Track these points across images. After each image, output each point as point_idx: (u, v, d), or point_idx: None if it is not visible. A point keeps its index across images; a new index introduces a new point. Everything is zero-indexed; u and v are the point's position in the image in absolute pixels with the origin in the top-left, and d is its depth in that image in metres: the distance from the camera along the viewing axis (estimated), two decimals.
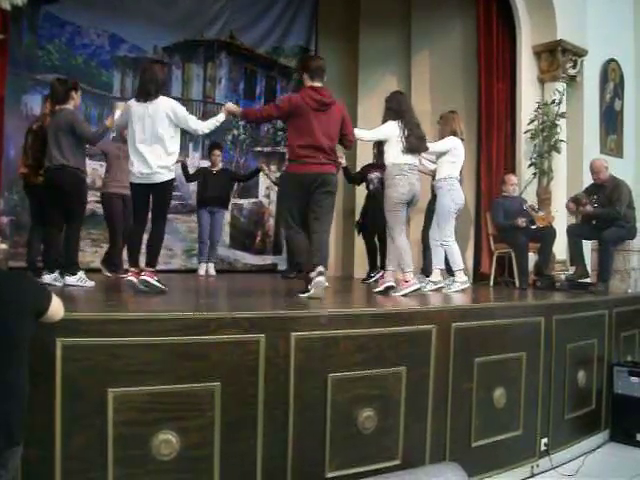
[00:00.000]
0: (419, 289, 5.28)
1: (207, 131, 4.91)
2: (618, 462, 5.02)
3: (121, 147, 6.62)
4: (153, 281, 4.45)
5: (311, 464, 3.42)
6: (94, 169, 7.54)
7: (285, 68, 9.80)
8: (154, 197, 4.67)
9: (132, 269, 4.61)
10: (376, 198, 6.88)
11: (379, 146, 5.75)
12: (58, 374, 2.65)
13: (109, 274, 6.62)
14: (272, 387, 3.26)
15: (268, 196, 9.52)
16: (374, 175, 7.27)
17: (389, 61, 8.96)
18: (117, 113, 4.95)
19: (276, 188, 8.73)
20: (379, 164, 6.63)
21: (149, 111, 4.59)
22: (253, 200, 9.33)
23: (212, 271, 7.80)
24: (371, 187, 7.37)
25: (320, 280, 4.46)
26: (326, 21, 9.97)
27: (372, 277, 7.22)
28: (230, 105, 5.16)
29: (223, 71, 9.18)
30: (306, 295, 4.49)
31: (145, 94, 4.63)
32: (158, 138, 4.59)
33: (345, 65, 9.63)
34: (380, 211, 5.73)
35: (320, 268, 4.51)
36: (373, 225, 7.23)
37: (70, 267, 4.95)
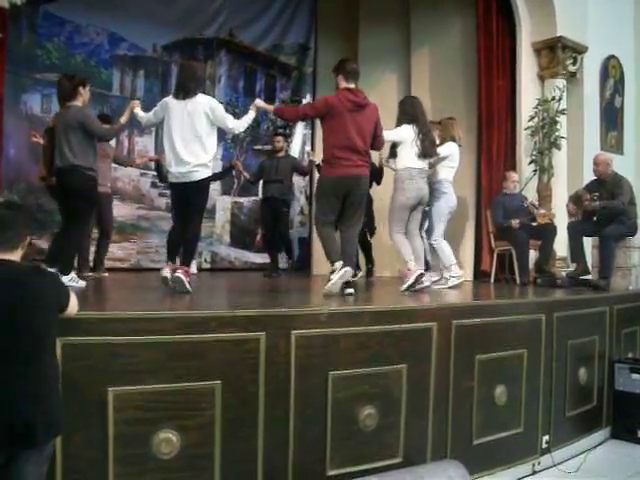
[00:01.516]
0: (422, 275, 5.32)
1: (242, 130, 4.94)
2: (619, 459, 5.01)
3: (100, 145, 6.47)
4: (185, 281, 4.44)
5: (312, 462, 3.41)
6: None
7: (285, 66, 9.79)
8: (191, 195, 4.64)
9: (170, 263, 4.65)
10: None
11: (391, 149, 5.81)
12: (59, 369, 2.63)
13: (105, 274, 6.52)
14: (272, 385, 3.25)
15: None
16: None
17: (389, 59, 8.95)
18: (136, 110, 4.92)
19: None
20: None
21: (188, 108, 4.57)
22: (253, 198, 9.31)
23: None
24: None
25: (341, 275, 4.59)
26: (325, 19, 9.96)
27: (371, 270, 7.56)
28: (259, 102, 5.19)
29: (223, 69, 9.17)
30: (324, 291, 4.60)
31: (184, 91, 4.60)
32: (196, 136, 4.57)
33: None
34: None
35: (338, 264, 4.64)
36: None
37: (65, 267, 4.70)
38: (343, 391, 3.50)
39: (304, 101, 9.81)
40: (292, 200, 8.55)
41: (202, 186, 4.66)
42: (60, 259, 4.69)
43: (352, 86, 4.89)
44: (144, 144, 8.29)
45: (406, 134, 5.48)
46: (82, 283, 4.84)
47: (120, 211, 7.80)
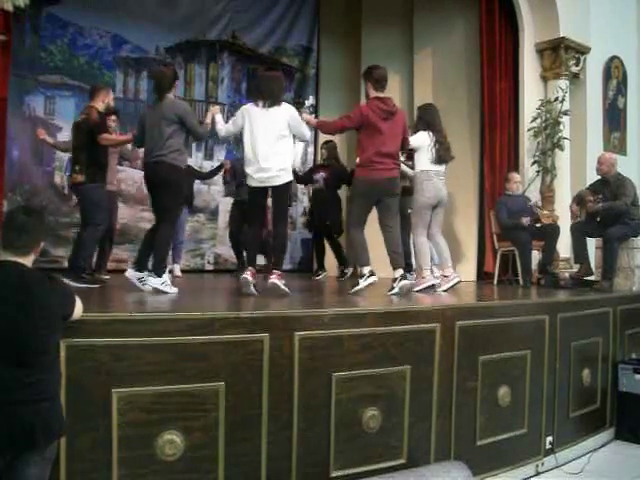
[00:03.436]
0: (434, 285, 5.61)
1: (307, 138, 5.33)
2: (623, 460, 5.01)
3: None
4: (281, 284, 4.63)
5: (316, 463, 3.41)
6: None
7: (288, 67, 9.78)
8: (274, 199, 4.84)
9: (250, 269, 4.75)
10: (319, 197, 7.52)
11: (409, 153, 6.14)
12: (62, 375, 2.64)
13: (107, 277, 6.30)
14: (276, 387, 3.26)
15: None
16: (319, 175, 7.58)
17: (392, 60, 8.91)
18: (218, 118, 5.01)
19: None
20: (326, 165, 7.58)
21: (272, 116, 4.75)
22: None
23: (178, 272, 7.42)
24: (317, 186, 7.58)
25: (370, 282, 4.97)
26: (328, 20, 9.96)
27: (346, 273, 7.56)
28: (307, 116, 5.51)
29: (225, 71, 9.17)
30: (355, 289, 4.95)
31: (273, 100, 4.77)
32: (279, 142, 4.75)
33: (347, 64, 9.63)
34: (325, 210, 6.84)
35: (367, 269, 5.02)
36: (319, 223, 7.58)
37: (157, 269, 4.68)
38: (346, 392, 3.50)
39: (307, 103, 9.84)
40: None
41: (285, 190, 4.85)
42: (153, 260, 4.75)
43: (381, 94, 5.19)
44: None
45: (422, 141, 5.76)
46: (174, 290, 4.64)
47: (123, 213, 7.79)
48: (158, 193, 4.76)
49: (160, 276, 4.62)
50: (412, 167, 6.19)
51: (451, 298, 5.18)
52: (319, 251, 7.89)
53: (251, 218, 5.09)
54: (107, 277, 6.10)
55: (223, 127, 5.00)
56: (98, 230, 5.32)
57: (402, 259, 5.25)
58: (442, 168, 5.83)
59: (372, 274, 5.04)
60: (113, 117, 6.43)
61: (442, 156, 5.77)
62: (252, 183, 4.80)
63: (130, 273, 4.74)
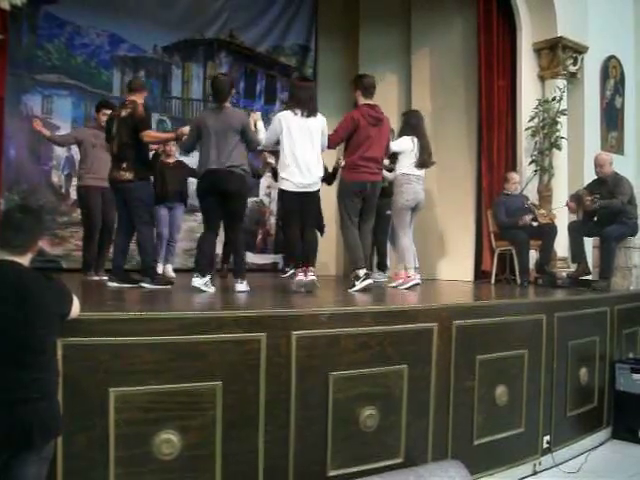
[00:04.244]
0: (419, 284, 5.78)
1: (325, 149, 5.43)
2: (620, 459, 5.02)
3: (98, 135, 6.26)
4: (316, 280, 5.01)
5: (313, 463, 3.41)
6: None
7: (285, 67, 9.78)
8: (307, 204, 5.13)
9: (301, 268, 5.01)
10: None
11: (392, 156, 6.32)
12: (60, 374, 2.63)
13: (105, 277, 6.08)
14: (273, 386, 3.26)
15: (269, 195, 9.50)
16: None
17: (389, 60, 8.95)
18: (258, 124, 5.09)
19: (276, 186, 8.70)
20: None
21: (309, 125, 5.04)
22: (254, 199, 9.31)
23: (171, 272, 7.30)
24: None
25: (366, 284, 5.16)
26: (326, 20, 9.96)
27: (287, 272, 7.56)
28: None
29: (223, 70, 9.11)
30: (354, 289, 5.12)
31: (310, 110, 5.05)
32: (316, 150, 5.10)
33: (345, 64, 9.63)
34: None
35: (362, 272, 5.21)
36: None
37: (240, 272, 4.97)
38: (344, 391, 3.50)
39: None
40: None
41: (318, 195, 5.24)
42: (237, 262, 5.00)
43: (370, 101, 5.46)
44: None
45: (406, 145, 5.98)
46: (212, 289, 4.82)
47: None
48: (229, 202, 4.82)
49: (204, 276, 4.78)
50: (390, 170, 6.41)
51: (449, 298, 5.18)
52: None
53: (291, 221, 5.22)
54: (105, 277, 6.06)
55: (263, 138, 5.12)
56: (152, 229, 5.33)
57: (365, 259, 5.47)
58: (422, 173, 6.08)
59: (368, 276, 5.24)
60: (109, 112, 6.33)
61: (424, 161, 6.02)
62: (290, 188, 5.01)
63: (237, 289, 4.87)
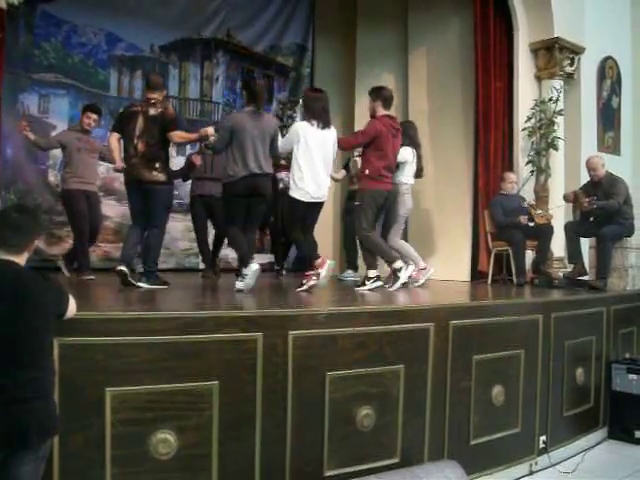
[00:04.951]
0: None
1: None
2: (616, 459, 5.03)
3: (82, 138, 6.25)
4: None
5: (309, 462, 3.42)
6: None
7: (282, 66, 9.78)
8: (314, 212, 5.29)
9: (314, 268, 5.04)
10: (285, 196, 7.49)
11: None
12: (56, 373, 2.63)
13: (68, 274, 6.19)
14: (270, 385, 3.26)
15: None
16: (284, 174, 7.50)
17: (386, 59, 8.94)
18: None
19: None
20: (287, 165, 7.39)
21: (325, 137, 5.17)
22: None
23: None
24: (281, 185, 7.59)
25: (407, 275, 5.54)
26: (323, 19, 9.95)
27: (284, 273, 7.90)
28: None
29: (220, 70, 9.15)
30: (364, 288, 5.32)
31: (325, 122, 5.16)
32: (329, 163, 5.26)
33: (342, 64, 9.63)
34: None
35: (398, 264, 5.48)
36: (283, 222, 7.54)
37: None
38: (340, 391, 3.51)
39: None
40: None
41: (322, 205, 5.38)
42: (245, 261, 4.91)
43: (389, 112, 5.63)
44: None
45: (408, 156, 6.26)
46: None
47: (117, 211, 7.79)
48: (257, 204, 4.99)
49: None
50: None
51: (445, 298, 5.19)
52: (285, 252, 8.10)
53: (296, 226, 5.28)
54: (92, 277, 6.03)
55: (281, 146, 5.23)
56: (164, 232, 5.31)
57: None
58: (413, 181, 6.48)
59: (378, 278, 5.45)
60: (94, 116, 6.38)
61: (421, 170, 6.50)
62: (304, 198, 5.10)
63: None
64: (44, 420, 2.36)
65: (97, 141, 6.65)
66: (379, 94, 5.65)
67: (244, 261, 4.83)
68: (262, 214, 5.20)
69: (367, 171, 5.50)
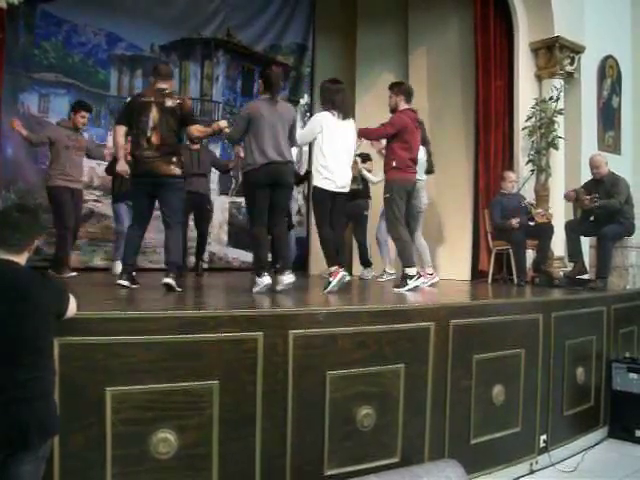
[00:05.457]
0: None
1: None
2: (617, 458, 5.03)
3: (71, 136, 6.26)
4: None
5: (310, 462, 3.42)
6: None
7: (282, 66, 9.77)
8: (339, 204, 5.27)
9: (334, 268, 5.04)
10: None
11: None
12: (56, 373, 2.63)
13: (73, 273, 6.22)
14: (270, 385, 3.26)
15: None
16: None
17: (386, 59, 8.94)
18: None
19: None
20: None
21: (346, 128, 5.21)
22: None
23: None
24: None
25: (421, 282, 5.59)
26: (323, 19, 9.94)
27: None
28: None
29: (220, 69, 9.15)
30: (404, 289, 5.32)
31: (346, 114, 5.23)
32: (350, 154, 5.32)
33: (342, 63, 9.61)
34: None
35: (414, 270, 5.51)
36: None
37: (288, 265, 4.99)
38: (341, 391, 3.51)
39: (302, 101, 9.85)
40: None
41: (346, 196, 5.40)
42: (285, 256, 5.01)
43: (411, 106, 5.71)
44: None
45: (422, 153, 6.31)
46: (290, 279, 4.84)
47: None
48: (280, 195, 4.86)
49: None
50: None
51: (446, 297, 5.19)
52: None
53: (324, 221, 5.21)
54: (73, 274, 6.02)
55: (299, 134, 5.20)
56: (182, 229, 5.20)
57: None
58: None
59: (420, 275, 5.60)
60: (82, 112, 6.38)
61: (432, 167, 6.71)
62: (330, 187, 5.10)
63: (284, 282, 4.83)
64: (44, 420, 2.36)
65: (84, 138, 6.69)
66: (401, 88, 5.75)
67: (261, 267, 4.76)
68: (286, 205, 5.08)
69: (394, 162, 5.53)
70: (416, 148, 5.68)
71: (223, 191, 9.12)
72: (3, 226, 2.48)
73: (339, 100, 5.18)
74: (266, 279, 4.68)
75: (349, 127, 5.26)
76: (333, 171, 5.08)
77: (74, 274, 6.01)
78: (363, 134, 5.75)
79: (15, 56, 7.10)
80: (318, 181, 5.13)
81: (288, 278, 4.79)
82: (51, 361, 2.51)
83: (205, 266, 8.56)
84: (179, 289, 4.57)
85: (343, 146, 5.16)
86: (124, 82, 8.26)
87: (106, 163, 7.08)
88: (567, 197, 6.71)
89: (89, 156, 6.74)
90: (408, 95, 5.71)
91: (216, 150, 8.85)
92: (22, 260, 2.50)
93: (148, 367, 2.94)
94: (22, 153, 7.30)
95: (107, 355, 2.85)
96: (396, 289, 5.39)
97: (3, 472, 2.29)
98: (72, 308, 2.66)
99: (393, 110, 5.70)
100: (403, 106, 5.65)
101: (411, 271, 5.43)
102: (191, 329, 3.06)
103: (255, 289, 4.71)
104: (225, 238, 9.13)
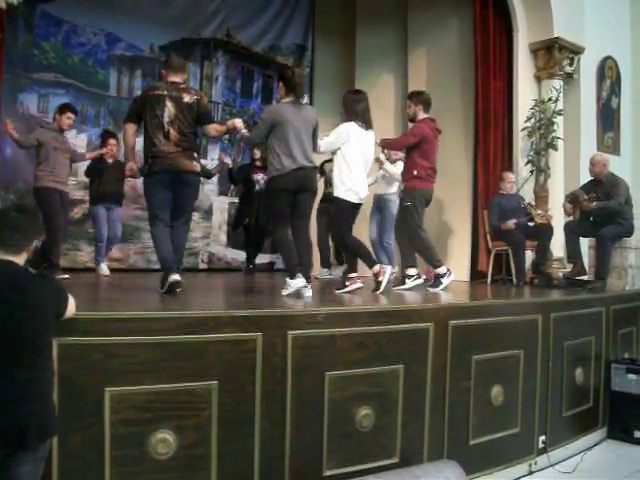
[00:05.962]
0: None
1: None
2: (616, 459, 5.03)
3: (58, 138, 6.26)
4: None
5: (309, 462, 3.41)
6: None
7: (282, 66, 9.75)
8: (355, 215, 5.23)
9: (377, 268, 5.09)
10: (260, 200, 7.69)
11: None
12: (55, 374, 2.63)
13: (65, 275, 6.08)
14: (269, 385, 3.26)
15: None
16: (260, 176, 7.76)
17: (386, 59, 8.95)
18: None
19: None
20: (262, 166, 7.65)
21: (369, 139, 5.19)
22: None
23: (106, 271, 7.03)
24: (257, 188, 7.80)
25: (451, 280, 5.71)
26: (323, 19, 9.96)
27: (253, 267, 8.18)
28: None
29: (220, 70, 9.16)
30: (439, 288, 5.53)
31: (367, 124, 5.16)
32: (368, 165, 5.28)
33: (342, 63, 9.64)
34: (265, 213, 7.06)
35: (444, 269, 5.70)
36: (265, 224, 7.60)
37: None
38: (340, 391, 3.50)
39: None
40: None
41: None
42: (307, 265, 4.81)
43: (429, 115, 5.78)
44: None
45: None
46: (309, 292, 4.55)
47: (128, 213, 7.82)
48: (304, 200, 4.71)
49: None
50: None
51: (445, 297, 5.19)
52: (255, 251, 8.29)
53: (347, 230, 5.21)
54: (65, 276, 6.01)
55: (324, 142, 5.09)
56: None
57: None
58: None
59: (450, 273, 5.71)
60: (69, 114, 6.38)
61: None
62: (354, 199, 5.06)
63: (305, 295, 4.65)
64: (43, 420, 2.36)
65: (69, 142, 6.69)
66: (420, 98, 5.80)
67: (293, 267, 4.58)
68: (310, 211, 4.87)
69: (415, 172, 5.63)
70: (434, 158, 5.74)
71: (222, 192, 9.12)
72: (2, 226, 2.48)
73: (361, 110, 5.14)
74: (300, 281, 4.50)
75: (370, 138, 5.22)
76: (356, 182, 5.05)
77: (66, 276, 5.99)
78: (384, 144, 5.82)
79: (14, 56, 7.09)
80: (341, 192, 5.05)
81: (307, 292, 4.54)
82: (50, 361, 2.51)
83: (204, 266, 8.60)
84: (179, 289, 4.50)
85: (363, 157, 5.14)
86: (123, 82, 8.26)
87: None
88: (566, 210, 6.69)
89: (73, 160, 6.70)
90: (427, 104, 5.77)
91: (215, 151, 8.87)
92: (21, 261, 2.50)
93: (147, 367, 2.93)
94: (21, 153, 7.26)
95: (106, 355, 2.85)
96: (396, 288, 5.46)
97: (2, 472, 2.29)
98: (71, 308, 2.65)
99: (412, 119, 5.79)
100: (422, 115, 5.73)
101: (411, 271, 5.60)
102: (190, 329, 3.05)
103: (285, 291, 4.54)
104: (224, 239, 9.13)
